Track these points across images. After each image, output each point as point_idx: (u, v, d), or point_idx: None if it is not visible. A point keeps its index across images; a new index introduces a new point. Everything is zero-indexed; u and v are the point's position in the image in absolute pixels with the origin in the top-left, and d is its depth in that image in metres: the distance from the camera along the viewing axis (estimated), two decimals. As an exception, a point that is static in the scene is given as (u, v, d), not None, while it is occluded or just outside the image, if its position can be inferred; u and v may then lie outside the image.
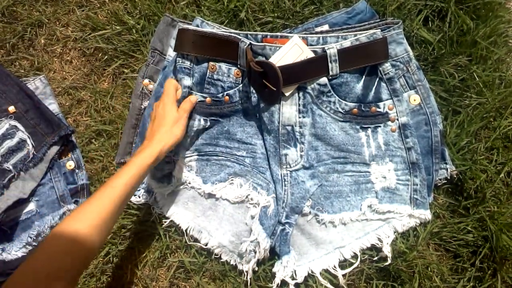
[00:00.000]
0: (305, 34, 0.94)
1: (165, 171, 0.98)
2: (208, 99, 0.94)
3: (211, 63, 0.92)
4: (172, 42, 1.01)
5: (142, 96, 1.03)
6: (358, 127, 0.93)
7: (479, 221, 0.98)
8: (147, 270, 1.02)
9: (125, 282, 1.01)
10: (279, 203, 0.93)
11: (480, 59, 1.02)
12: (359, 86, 0.90)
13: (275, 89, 0.85)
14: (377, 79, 0.90)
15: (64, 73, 1.12)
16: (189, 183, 0.98)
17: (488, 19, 1.01)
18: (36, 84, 1.06)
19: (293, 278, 0.94)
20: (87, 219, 0.70)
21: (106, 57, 1.10)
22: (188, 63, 0.92)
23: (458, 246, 0.99)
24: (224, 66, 0.92)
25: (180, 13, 1.07)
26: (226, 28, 0.97)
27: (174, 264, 1.01)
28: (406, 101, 0.93)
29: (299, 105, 0.90)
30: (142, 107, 1.02)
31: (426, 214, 0.94)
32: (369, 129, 0.93)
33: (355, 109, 0.91)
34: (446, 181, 1.00)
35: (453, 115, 1.01)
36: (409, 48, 0.93)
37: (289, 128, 0.91)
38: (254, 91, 0.91)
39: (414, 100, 0.94)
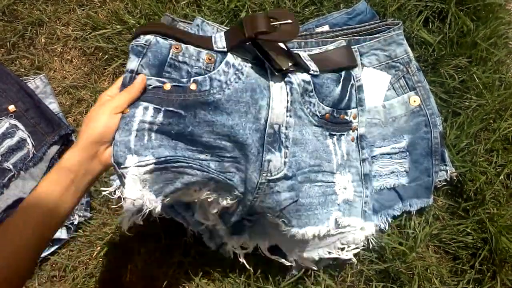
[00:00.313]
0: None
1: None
2: (167, 85, 0.72)
3: (175, 42, 0.73)
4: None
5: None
6: (327, 133, 0.85)
7: (479, 223, 0.98)
8: (147, 270, 1.01)
9: (125, 282, 1.01)
10: (242, 208, 0.81)
11: (480, 60, 1.02)
12: (337, 90, 0.84)
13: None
14: (350, 85, 0.86)
15: (64, 72, 1.12)
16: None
17: (488, 21, 1.02)
18: (37, 83, 1.06)
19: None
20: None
21: (106, 56, 1.10)
22: (144, 41, 0.71)
23: (458, 248, 0.99)
24: (192, 48, 0.74)
25: (181, 13, 1.07)
26: (228, 28, 0.97)
27: (174, 265, 1.00)
28: (406, 102, 0.93)
29: (287, 101, 0.78)
30: (142, 106, 1.01)
31: (371, 226, 0.88)
32: (335, 136, 0.86)
33: (328, 114, 0.84)
34: (445, 183, 0.99)
35: (453, 117, 1.01)
36: (409, 49, 0.93)
37: (276, 127, 0.77)
38: (236, 79, 0.76)
39: (414, 101, 0.93)
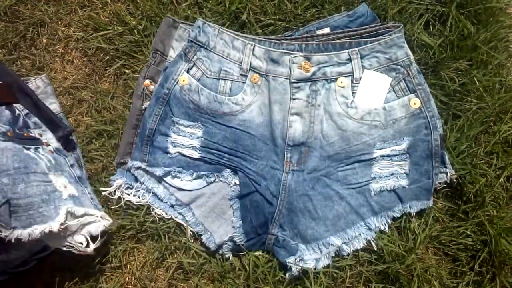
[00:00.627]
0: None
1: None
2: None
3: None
4: (174, 43, 1.01)
5: (143, 96, 1.03)
6: (22, 146, 0.92)
7: (478, 225, 0.99)
8: (146, 270, 1.02)
9: (124, 283, 1.01)
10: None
11: (480, 63, 1.03)
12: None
13: None
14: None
15: (65, 73, 1.12)
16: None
17: (489, 24, 1.02)
18: (38, 84, 1.06)
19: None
20: None
21: (107, 57, 1.10)
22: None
23: (457, 250, 0.99)
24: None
25: (182, 15, 1.07)
26: (229, 30, 0.97)
27: (173, 265, 1.00)
28: (407, 104, 0.93)
29: None
30: (143, 107, 1.02)
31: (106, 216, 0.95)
32: (31, 149, 0.93)
33: (10, 132, 0.91)
34: (445, 185, 1.00)
35: (453, 119, 1.02)
36: (409, 52, 0.94)
37: None
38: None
39: (415, 103, 0.94)
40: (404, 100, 0.94)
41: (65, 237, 0.90)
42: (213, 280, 1.00)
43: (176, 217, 1.00)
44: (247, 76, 0.96)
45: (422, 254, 0.99)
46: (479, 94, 1.01)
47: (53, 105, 1.07)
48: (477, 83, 1.01)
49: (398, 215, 0.97)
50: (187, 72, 0.96)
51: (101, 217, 0.93)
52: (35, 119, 1.00)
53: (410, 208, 0.97)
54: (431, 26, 1.06)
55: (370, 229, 0.97)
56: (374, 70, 0.94)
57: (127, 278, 1.01)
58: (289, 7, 1.06)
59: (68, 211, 0.87)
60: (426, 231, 0.98)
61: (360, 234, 0.97)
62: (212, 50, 0.96)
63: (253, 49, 0.95)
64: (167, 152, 0.98)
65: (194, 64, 0.96)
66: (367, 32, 0.96)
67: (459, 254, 0.99)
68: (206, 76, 0.96)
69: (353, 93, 0.95)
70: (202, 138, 0.97)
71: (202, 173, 0.98)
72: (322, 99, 0.95)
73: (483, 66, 1.03)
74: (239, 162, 0.97)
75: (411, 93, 0.94)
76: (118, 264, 1.01)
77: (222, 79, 0.96)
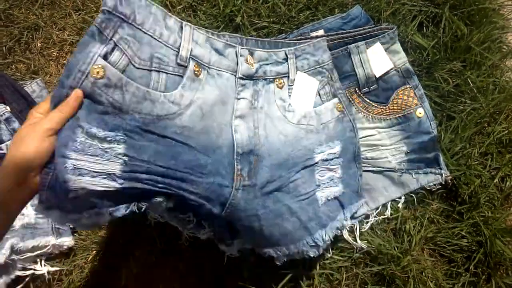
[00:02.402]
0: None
1: None
2: None
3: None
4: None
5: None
6: None
7: (473, 226, 0.99)
8: (142, 274, 1.01)
9: (120, 287, 1.01)
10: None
11: (474, 64, 1.03)
12: None
13: None
14: None
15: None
16: None
17: (482, 25, 1.02)
18: (33, 88, 1.06)
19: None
20: None
21: (102, 61, 1.10)
22: None
23: (453, 251, 1.00)
24: None
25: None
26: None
27: (169, 269, 1.00)
28: (332, 108, 0.90)
29: None
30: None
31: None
32: None
33: None
34: (440, 187, 1.00)
35: (447, 121, 1.02)
36: (402, 55, 0.95)
37: None
38: None
39: (338, 107, 0.90)
40: (329, 104, 0.90)
41: (14, 268, 0.91)
42: (210, 283, 1.00)
43: (171, 221, 1.00)
44: (187, 66, 0.73)
45: (418, 256, 0.99)
46: (473, 95, 1.02)
47: (48, 109, 1.07)
48: (471, 84, 1.01)
49: (339, 225, 0.87)
50: (104, 58, 0.64)
51: (53, 245, 0.94)
52: (16, 124, 1.00)
53: (348, 212, 0.90)
54: (424, 28, 1.06)
55: (316, 245, 0.83)
56: (305, 72, 0.89)
57: (123, 281, 1.01)
58: (283, 10, 1.06)
59: (12, 246, 0.85)
60: (421, 232, 0.98)
61: (302, 251, 0.84)
62: (139, 27, 0.68)
63: (193, 33, 0.74)
64: (66, 189, 0.61)
65: (116, 46, 0.66)
66: (360, 34, 0.96)
67: (454, 255, 0.99)
68: (134, 66, 0.68)
69: (289, 95, 0.86)
70: (125, 157, 0.65)
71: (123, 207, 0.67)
72: (263, 101, 0.82)
73: (476, 67, 1.03)
74: (177, 185, 0.70)
75: (333, 98, 0.90)
76: (114, 268, 1.01)
77: (155, 70, 0.70)
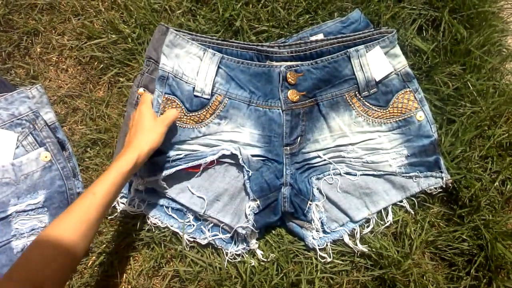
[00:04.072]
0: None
1: None
2: None
3: None
4: (165, 50, 1.00)
5: (137, 105, 1.02)
6: None
7: (474, 230, 0.99)
8: (142, 279, 1.01)
9: (120, 292, 1.01)
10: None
11: (474, 68, 1.03)
12: None
13: None
14: None
15: (59, 81, 1.12)
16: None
17: (482, 28, 1.02)
18: (33, 93, 1.06)
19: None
20: (71, 226, 0.71)
21: (101, 65, 1.10)
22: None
23: (453, 255, 1.00)
24: None
25: (176, 22, 1.07)
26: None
27: (169, 273, 1.00)
28: (37, 158, 0.97)
29: None
30: (137, 116, 1.02)
31: None
32: None
33: None
34: (441, 190, 1.00)
35: (447, 124, 1.02)
36: (33, 107, 0.99)
37: None
38: None
39: (46, 157, 0.97)
40: (33, 154, 0.97)
41: None
42: (210, 288, 1.00)
43: (171, 226, 1.00)
44: None
45: (419, 259, 0.98)
46: (473, 98, 1.02)
47: (49, 114, 1.06)
48: (471, 88, 1.01)
49: None
50: None
51: None
52: None
53: None
54: (424, 31, 1.06)
55: None
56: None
57: (123, 287, 1.01)
58: (283, 14, 1.06)
59: None
60: (422, 236, 0.98)
61: None
62: None
63: None
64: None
65: None
66: (360, 38, 0.96)
67: (455, 258, 0.99)
68: None
69: None
70: None
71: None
72: None
73: (476, 71, 1.03)
74: None
75: (40, 147, 0.97)
76: (114, 273, 1.01)
77: None
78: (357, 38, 0.97)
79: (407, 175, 1.00)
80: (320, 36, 1.02)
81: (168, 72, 0.96)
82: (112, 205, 1.00)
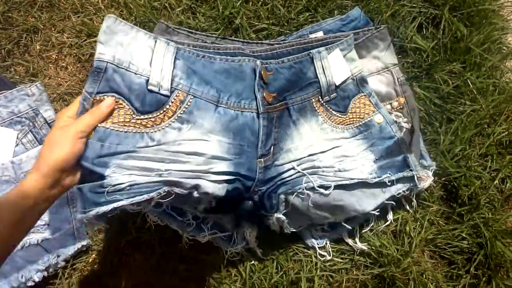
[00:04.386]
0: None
1: None
2: None
3: None
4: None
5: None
6: None
7: (474, 228, 0.99)
8: (142, 277, 1.01)
9: (120, 289, 1.01)
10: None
11: (474, 66, 1.03)
12: None
13: None
14: None
15: (59, 79, 1.12)
16: None
17: (482, 26, 1.02)
18: (33, 91, 1.06)
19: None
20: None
21: (101, 63, 1.10)
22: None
23: (453, 253, 1.00)
24: None
25: (176, 20, 1.07)
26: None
27: (169, 272, 1.00)
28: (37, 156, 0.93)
29: None
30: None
31: None
32: None
33: None
34: (441, 189, 1.00)
35: (447, 122, 1.02)
36: (33, 104, 1.01)
37: None
38: None
39: None
40: (33, 151, 0.98)
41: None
42: (209, 286, 1.00)
43: (171, 224, 1.00)
44: None
45: (418, 258, 0.98)
46: (473, 96, 1.01)
47: (48, 112, 1.06)
48: (471, 85, 1.01)
49: (43, 268, 0.96)
50: None
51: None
52: None
53: (58, 257, 0.98)
54: (424, 29, 1.06)
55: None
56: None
57: (123, 285, 1.01)
58: (283, 12, 1.06)
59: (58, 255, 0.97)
60: (422, 234, 0.98)
61: None
62: None
63: None
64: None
65: None
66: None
67: (455, 257, 0.99)
68: None
69: None
70: None
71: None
72: None
73: (476, 68, 1.03)
74: None
75: (40, 144, 0.99)
76: (113, 271, 1.01)
77: None
78: (314, 41, 0.91)
79: (379, 179, 0.92)
80: (320, 34, 1.02)
81: (107, 62, 0.72)
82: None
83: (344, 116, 0.94)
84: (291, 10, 1.06)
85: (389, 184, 0.94)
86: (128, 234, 1.01)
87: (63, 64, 1.13)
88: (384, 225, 0.99)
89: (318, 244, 0.98)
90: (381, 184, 0.93)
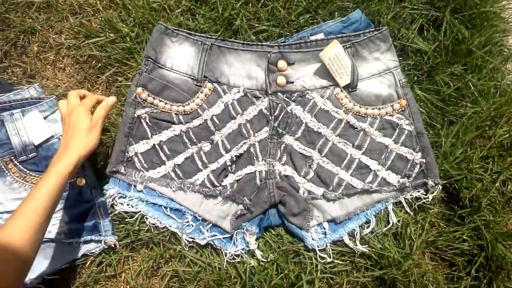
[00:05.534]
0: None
1: None
2: None
3: None
4: (166, 50, 1.01)
5: (135, 104, 1.01)
6: None
7: (475, 230, 0.98)
8: (141, 279, 1.01)
9: (119, 292, 1.00)
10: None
11: (475, 68, 1.03)
12: None
13: None
14: None
15: (57, 80, 1.11)
16: None
17: (483, 28, 1.02)
18: (31, 93, 1.05)
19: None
20: (18, 231, 0.72)
21: (99, 64, 1.09)
22: None
23: (454, 255, 0.99)
24: None
25: (175, 21, 1.06)
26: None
27: (168, 274, 1.00)
28: None
29: None
30: (135, 115, 1.01)
31: None
32: None
33: None
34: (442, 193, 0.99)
35: (448, 125, 1.01)
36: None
37: None
38: None
39: None
40: None
41: None
42: (209, 288, 0.99)
43: (170, 226, 0.99)
44: None
45: (419, 260, 0.98)
46: (474, 98, 1.01)
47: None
48: (472, 88, 1.01)
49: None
50: None
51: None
52: None
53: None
54: (425, 31, 1.06)
55: None
56: None
57: (121, 287, 1.01)
58: (283, 13, 1.05)
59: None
60: (423, 236, 0.97)
61: None
62: None
63: None
64: None
65: None
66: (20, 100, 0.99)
67: (455, 259, 0.99)
68: None
69: None
70: None
71: None
72: None
73: (478, 71, 1.03)
74: None
75: None
76: (112, 273, 1.01)
77: None
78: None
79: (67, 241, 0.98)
80: (321, 36, 1.01)
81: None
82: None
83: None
84: (291, 11, 1.05)
85: (75, 246, 0.99)
86: (127, 236, 1.00)
87: (61, 66, 1.12)
88: (386, 228, 0.99)
89: (318, 246, 0.98)
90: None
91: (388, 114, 0.99)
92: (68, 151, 0.83)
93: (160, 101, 1.01)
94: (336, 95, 1.00)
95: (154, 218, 1.00)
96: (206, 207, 0.99)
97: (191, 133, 1.00)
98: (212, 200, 1.00)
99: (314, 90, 1.00)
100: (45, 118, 1.00)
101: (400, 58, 1.04)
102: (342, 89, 0.99)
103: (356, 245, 0.98)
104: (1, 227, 0.73)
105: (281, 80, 0.99)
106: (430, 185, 0.96)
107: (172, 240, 1.01)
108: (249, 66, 1.00)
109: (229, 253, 0.99)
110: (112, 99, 0.93)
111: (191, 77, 1.01)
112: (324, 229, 0.99)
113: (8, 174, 0.98)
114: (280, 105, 0.99)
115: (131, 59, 1.08)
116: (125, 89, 1.07)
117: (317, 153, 0.99)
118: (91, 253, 1.00)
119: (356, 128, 0.99)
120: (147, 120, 1.00)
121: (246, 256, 0.99)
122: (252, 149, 1.00)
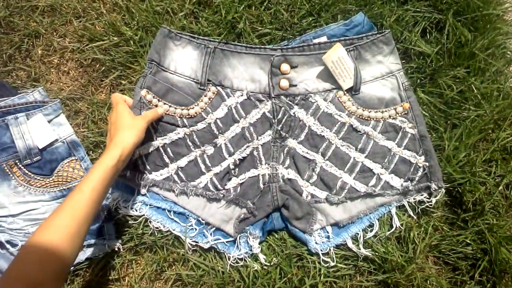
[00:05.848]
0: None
1: None
2: None
3: None
4: (169, 54, 1.01)
5: (140, 106, 1.02)
6: None
7: (478, 234, 0.98)
8: (144, 283, 1.01)
9: (122, 296, 1.00)
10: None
11: (478, 71, 1.02)
12: None
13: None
14: None
15: (61, 84, 1.11)
16: None
17: (486, 31, 1.01)
18: (35, 96, 1.05)
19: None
20: (60, 228, 0.72)
21: (103, 68, 1.09)
22: None
23: (457, 259, 0.99)
24: None
25: (178, 25, 1.07)
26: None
27: (172, 277, 1.00)
28: None
29: None
30: (140, 118, 1.01)
31: None
32: None
33: None
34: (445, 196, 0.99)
35: (451, 128, 1.01)
36: (67, 127, 1.05)
37: None
38: None
39: None
40: None
41: None
42: (212, 292, 0.99)
43: (173, 230, 1.00)
44: None
45: (422, 264, 0.98)
46: (477, 101, 1.01)
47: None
48: (475, 91, 1.01)
49: None
50: None
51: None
52: None
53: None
54: (428, 34, 1.06)
55: None
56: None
57: (125, 291, 1.01)
58: (286, 16, 1.05)
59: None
60: (426, 240, 0.97)
61: None
62: None
63: None
64: None
65: None
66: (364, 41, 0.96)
67: (459, 263, 0.99)
68: None
69: None
70: None
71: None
72: None
73: (480, 73, 1.03)
74: None
75: None
76: (116, 277, 1.01)
77: None
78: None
79: None
80: (324, 39, 1.01)
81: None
82: (102, 203, 0.99)
83: (48, 179, 1.01)
84: (294, 14, 1.05)
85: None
86: (131, 240, 1.01)
87: (65, 69, 1.12)
88: (389, 232, 0.98)
89: (321, 250, 0.98)
90: None
91: (391, 117, 0.99)
92: (111, 145, 0.86)
93: (165, 103, 1.01)
94: (339, 98, 1.00)
95: (158, 222, 1.00)
96: (210, 211, 1.00)
97: (194, 136, 1.01)
98: (216, 203, 1.00)
99: (317, 93, 1.00)
100: (49, 121, 1.01)
101: (403, 61, 1.04)
102: (345, 92, 0.99)
103: (360, 249, 0.98)
104: (43, 223, 0.73)
105: (284, 83, 0.99)
106: (433, 189, 0.96)
107: (176, 243, 1.01)
108: (252, 69, 1.00)
109: (233, 256, 0.99)
110: (161, 109, 0.99)
111: (195, 80, 1.01)
112: (328, 232, 0.99)
113: (13, 178, 0.98)
114: (283, 108, 0.99)
115: (135, 63, 1.08)
116: (129, 93, 1.07)
117: (320, 156, 0.99)
118: (95, 256, 1.00)
119: (359, 131, 0.99)
120: (153, 122, 1.01)
121: (250, 260, 0.99)
122: (255, 153, 1.00)
